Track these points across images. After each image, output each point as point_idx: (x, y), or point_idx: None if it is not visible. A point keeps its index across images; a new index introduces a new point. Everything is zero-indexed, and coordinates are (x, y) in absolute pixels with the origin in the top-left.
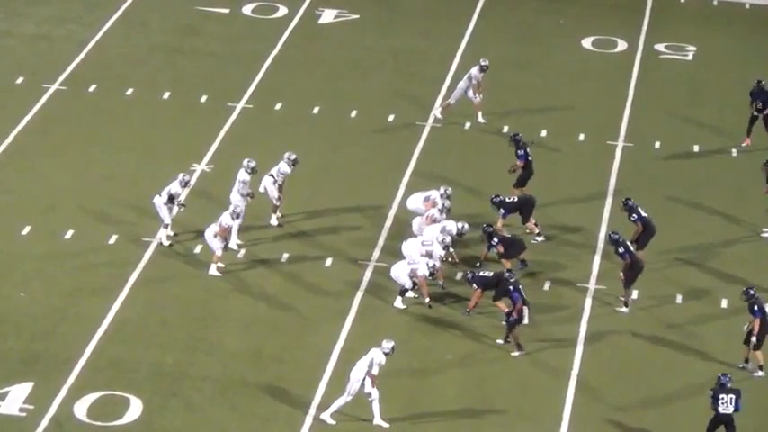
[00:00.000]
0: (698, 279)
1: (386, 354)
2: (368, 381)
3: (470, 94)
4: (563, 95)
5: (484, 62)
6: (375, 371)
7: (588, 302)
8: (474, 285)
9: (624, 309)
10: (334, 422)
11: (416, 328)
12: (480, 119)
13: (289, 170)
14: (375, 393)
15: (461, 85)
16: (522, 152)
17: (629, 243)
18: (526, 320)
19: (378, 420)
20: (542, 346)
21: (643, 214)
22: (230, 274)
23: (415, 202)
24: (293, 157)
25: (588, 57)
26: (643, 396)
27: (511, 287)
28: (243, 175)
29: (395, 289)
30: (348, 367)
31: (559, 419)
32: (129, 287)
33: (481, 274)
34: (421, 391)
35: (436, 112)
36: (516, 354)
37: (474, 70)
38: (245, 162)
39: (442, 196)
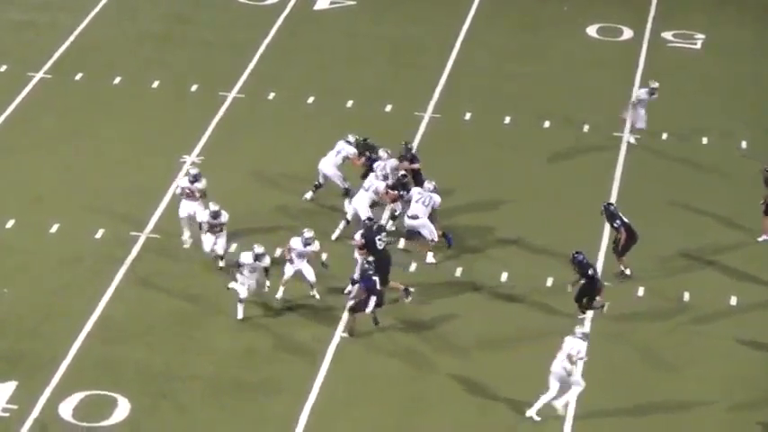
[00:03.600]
0: (707, 277)
1: (581, 339)
2: (568, 366)
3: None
4: (567, 85)
5: (654, 85)
6: (580, 357)
7: None
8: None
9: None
10: (539, 418)
11: (412, 330)
12: (631, 140)
13: (353, 150)
14: (580, 381)
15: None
16: (618, 222)
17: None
18: (368, 310)
19: (531, 412)
20: (541, 347)
21: (625, 220)
22: (222, 270)
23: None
24: (353, 139)
25: (593, 45)
26: (648, 400)
27: (363, 275)
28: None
29: (393, 287)
30: (342, 368)
31: (561, 424)
32: (116, 283)
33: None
34: (418, 394)
35: (630, 138)
36: (344, 335)
37: (642, 92)
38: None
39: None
